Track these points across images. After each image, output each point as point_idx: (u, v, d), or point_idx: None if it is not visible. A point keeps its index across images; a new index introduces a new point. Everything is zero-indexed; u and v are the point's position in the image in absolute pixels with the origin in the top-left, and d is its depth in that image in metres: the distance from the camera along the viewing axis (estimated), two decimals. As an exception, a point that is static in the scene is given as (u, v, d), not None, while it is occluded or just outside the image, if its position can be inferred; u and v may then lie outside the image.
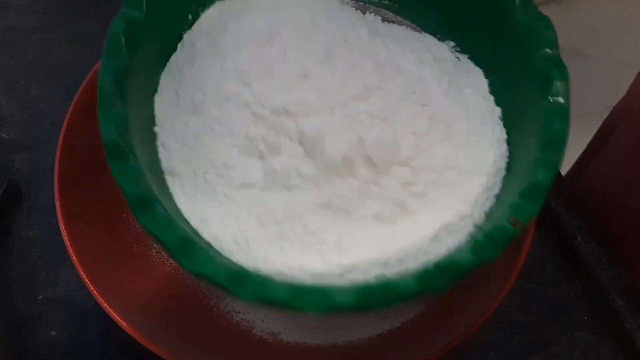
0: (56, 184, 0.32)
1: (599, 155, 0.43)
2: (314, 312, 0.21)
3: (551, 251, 0.38)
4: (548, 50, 0.27)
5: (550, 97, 0.26)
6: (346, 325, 0.32)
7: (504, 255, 0.31)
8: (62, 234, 0.30)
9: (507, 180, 0.28)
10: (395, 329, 0.31)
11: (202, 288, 0.34)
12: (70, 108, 0.33)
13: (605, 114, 0.43)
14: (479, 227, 0.26)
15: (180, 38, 0.31)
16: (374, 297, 0.21)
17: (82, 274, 0.29)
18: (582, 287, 0.37)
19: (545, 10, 0.28)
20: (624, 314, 0.34)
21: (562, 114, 0.25)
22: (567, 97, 0.26)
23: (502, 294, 0.29)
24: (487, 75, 0.31)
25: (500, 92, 0.31)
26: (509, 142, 0.29)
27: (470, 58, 0.32)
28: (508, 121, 0.30)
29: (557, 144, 0.25)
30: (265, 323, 0.32)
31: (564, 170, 0.43)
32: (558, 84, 0.26)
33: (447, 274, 0.22)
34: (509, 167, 0.28)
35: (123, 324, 0.28)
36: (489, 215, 0.26)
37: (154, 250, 0.34)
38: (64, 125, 0.33)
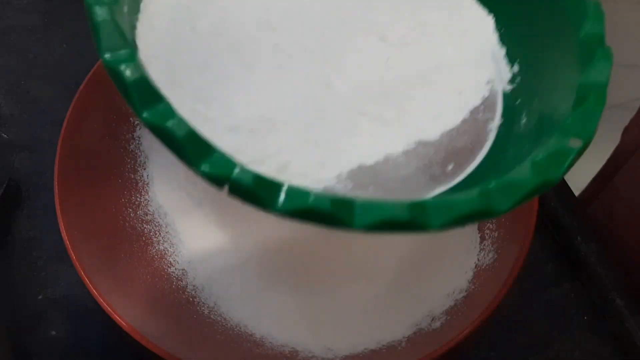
0: (56, 184, 0.32)
1: (615, 177, 0.43)
2: (363, 227, 0.19)
3: (551, 251, 0.38)
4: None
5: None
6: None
7: (504, 255, 0.32)
8: (62, 234, 0.30)
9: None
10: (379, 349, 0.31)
11: (203, 289, 0.34)
12: (70, 108, 0.33)
13: (608, 113, 0.42)
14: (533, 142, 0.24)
15: None
16: (431, 212, 0.19)
17: (82, 273, 0.29)
18: (582, 287, 0.37)
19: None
20: (624, 314, 0.34)
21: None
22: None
23: (502, 293, 0.29)
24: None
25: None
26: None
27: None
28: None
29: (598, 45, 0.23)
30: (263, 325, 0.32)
31: (577, 190, 0.41)
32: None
33: (509, 192, 0.20)
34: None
35: (123, 323, 0.28)
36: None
37: (154, 250, 0.34)
38: (64, 125, 0.33)
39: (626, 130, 0.44)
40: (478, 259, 0.33)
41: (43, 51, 0.47)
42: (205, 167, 0.18)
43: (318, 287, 0.34)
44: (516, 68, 0.28)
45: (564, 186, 0.39)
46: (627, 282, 0.35)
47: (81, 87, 0.34)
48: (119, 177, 0.36)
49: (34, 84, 0.45)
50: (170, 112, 0.19)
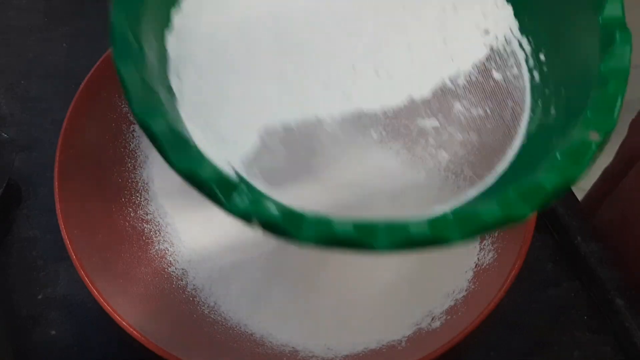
0: (56, 184, 0.32)
1: (621, 182, 0.41)
2: (386, 248, 0.19)
3: (551, 251, 0.38)
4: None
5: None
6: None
7: (504, 255, 0.32)
8: (62, 234, 0.30)
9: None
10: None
11: (203, 288, 0.34)
12: (70, 108, 0.33)
13: None
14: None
15: None
16: (450, 226, 0.19)
17: (82, 273, 0.29)
18: (582, 287, 0.37)
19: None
20: (624, 314, 0.34)
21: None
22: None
23: (502, 293, 0.29)
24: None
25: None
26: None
27: None
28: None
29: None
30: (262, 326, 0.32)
31: (580, 195, 0.41)
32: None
33: (532, 197, 0.19)
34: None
35: (123, 323, 0.28)
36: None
37: (154, 250, 0.34)
38: (64, 125, 0.33)
39: (634, 125, 0.43)
40: (478, 259, 0.33)
41: (43, 51, 0.47)
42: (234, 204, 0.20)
43: (318, 287, 0.34)
44: (542, 57, 0.27)
45: (582, 212, 0.39)
46: (627, 282, 0.35)
47: (81, 87, 0.34)
48: (119, 177, 0.36)
49: (34, 84, 0.45)
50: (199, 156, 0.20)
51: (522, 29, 0.28)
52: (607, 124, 0.21)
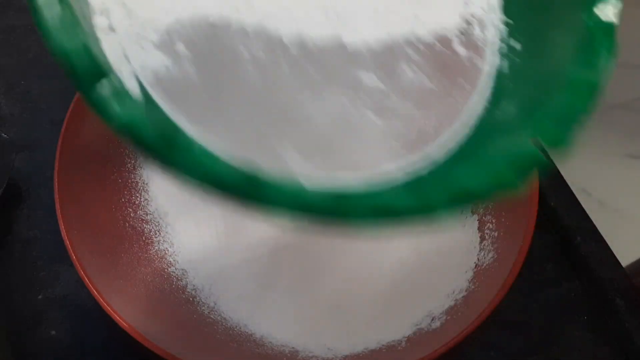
0: (56, 184, 0.32)
1: None
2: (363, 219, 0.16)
3: (551, 251, 0.38)
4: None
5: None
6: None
7: (504, 255, 0.32)
8: (62, 234, 0.30)
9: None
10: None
11: (203, 288, 0.34)
12: (70, 108, 0.33)
13: (608, 113, 0.41)
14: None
15: None
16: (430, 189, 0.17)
17: (82, 273, 0.29)
18: (582, 287, 0.37)
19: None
20: (624, 314, 0.34)
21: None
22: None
23: (502, 293, 0.29)
24: None
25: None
26: None
27: None
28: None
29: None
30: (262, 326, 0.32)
31: (623, 259, 0.38)
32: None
33: (521, 165, 0.17)
34: None
35: (123, 323, 0.28)
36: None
37: (154, 250, 0.34)
38: (64, 125, 0.33)
39: None
40: (478, 259, 0.33)
41: (43, 51, 0.47)
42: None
43: (318, 287, 0.34)
44: (516, 45, 0.24)
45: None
46: (627, 282, 0.35)
47: (81, 87, 0.34)
48: (119, 177, 0.36)
49: (34, 84, 0.45)
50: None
51: (504, 10, 0.24)
52: (557, 139, 0.18)
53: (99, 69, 0.16)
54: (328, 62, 0.21)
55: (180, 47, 0.19)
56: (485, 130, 0.22)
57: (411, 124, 0.22)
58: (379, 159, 0.21)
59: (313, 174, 0.19)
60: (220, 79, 0.20)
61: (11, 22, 0.48)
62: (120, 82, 0.17)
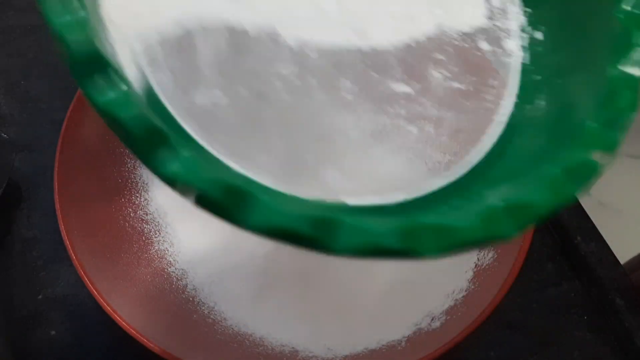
0: (56, 184, 0.32)
1: None
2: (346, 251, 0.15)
3: (551, 251, 0.38)
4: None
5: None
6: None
7: (504, 255, 0.32)
8: (62, 234, 0.30)
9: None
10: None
11: (203, 288, 0.34)
12: (70, 108, 0.33)
13: None
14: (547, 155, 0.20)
15: None
16: (422, 237, 0.15)
17: (82, 273, 0.29)
18: (582, 287, 0.37)
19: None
20: (624, 314, 0.34)
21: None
22: None
23: (502, 293, 0.29)
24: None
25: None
26: None
27: None
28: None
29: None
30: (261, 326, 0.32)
31: (623, 259, 0.38)
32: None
33: (519, 216, 0.16)
34: None
35: (123, 323, 0.28)
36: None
37: (154, 250, 0.34)
38: (64, 125, 0.33)
39: None
40: (478, 259, 0.33)
41: (43, 51, 0.47)
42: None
43: (318, 287, 0.34)
44: (539, 35, 0.23)
45: (623, 278, 0.38)
46: (627, 282, 0.35)
47: (81, 87, 0.34)
48: (119, 177, 0.36)
49: (34, 84, 0.45)
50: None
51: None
52: (612, 142, 0.18)
53: (103, 60, 0.15)
54: (357, 75, 0.21)
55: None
56: (518, 127, 0.21)
57: (446, 129, 0.21)
58: (418, 171, 0.20)
59: (357, 192, 0.18)
60: (252, 103, 0.19)
61: (11, 22, 0.48)
62: (127, 83, 0.17)
